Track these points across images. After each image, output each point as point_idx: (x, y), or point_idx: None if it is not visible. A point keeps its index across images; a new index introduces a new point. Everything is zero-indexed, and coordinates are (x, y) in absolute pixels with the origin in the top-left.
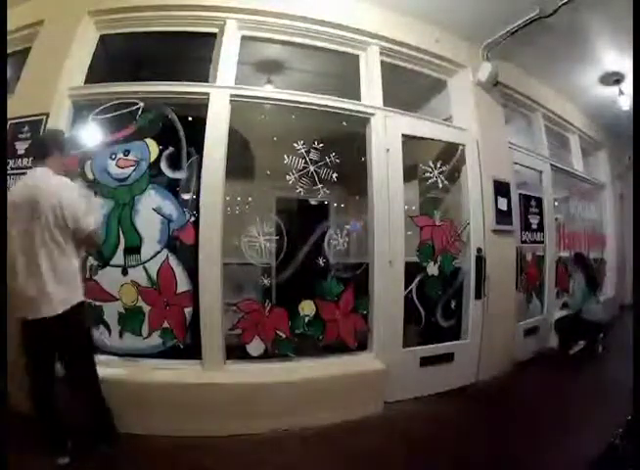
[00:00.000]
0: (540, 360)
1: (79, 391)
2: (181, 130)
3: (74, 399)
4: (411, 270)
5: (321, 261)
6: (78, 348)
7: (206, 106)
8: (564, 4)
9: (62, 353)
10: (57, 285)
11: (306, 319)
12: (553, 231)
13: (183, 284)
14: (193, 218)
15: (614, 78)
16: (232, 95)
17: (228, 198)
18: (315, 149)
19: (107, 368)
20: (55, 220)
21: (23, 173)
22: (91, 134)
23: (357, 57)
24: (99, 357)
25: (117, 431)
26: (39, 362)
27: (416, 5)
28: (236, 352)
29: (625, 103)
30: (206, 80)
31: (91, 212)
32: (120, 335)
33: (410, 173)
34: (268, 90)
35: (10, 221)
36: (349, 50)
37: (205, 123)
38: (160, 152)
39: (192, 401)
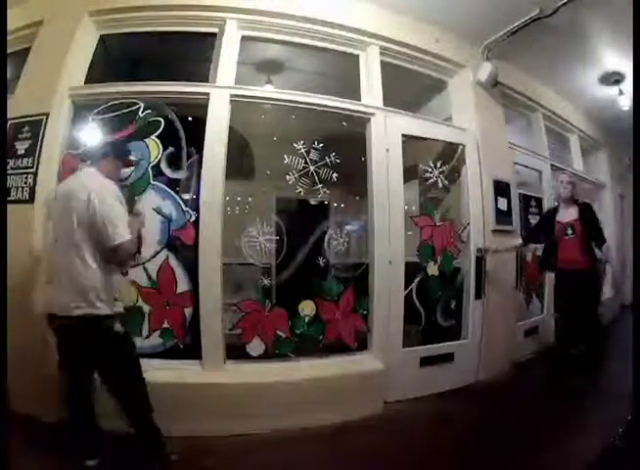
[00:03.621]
0: (540, 360)
1: (123, 406)
2: (181, 130)
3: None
4: (411, 270)
5: (321, 261)
6: (106, 364)
7: (206, 106)
8: (564, 4)
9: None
10: (65, 289)
11: (306, 319)
12: None
13: (183, 284)
14: (193, 218)
15: (614, 78)
16: (232, 95)
17: (228, 198)
18: (315, 149)
19: None
20: (82, 223)
21: (24, 173)
22: (91, 134)
23: (357, 57)
24: None
25: (167, 452)
26: (69, 360)
27: (416, 5)
28: (236, 352)
29: (625, 103)
30: (206, 80)
31: (125, 224)
32: None
33: (410, 173)
34: (268, 90)
35: (46, 218)
36: (349, 50)
37: (205, 123)
38: (160, 152)
39: (192, 401)
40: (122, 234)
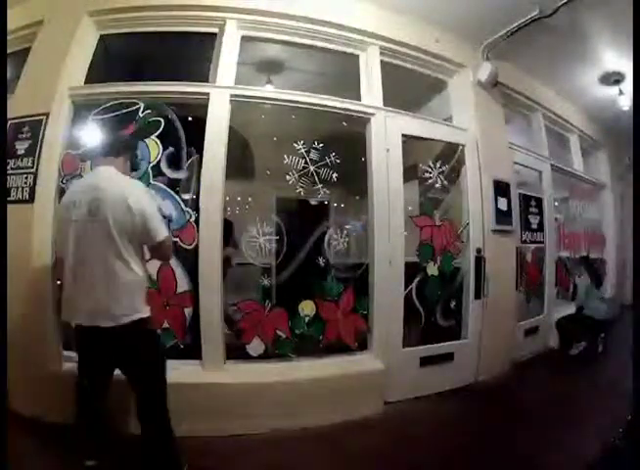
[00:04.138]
0: (540, 360)
1: (141, 418)
2: (181, 130)
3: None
4: (411, 270)
5: (321, 261)
6: (140, 368)
7: (206, 106)
8: (564, 4)
9: (122, 369)
10: (112, 296)
11: (306, 319)
12: (553, 231)
13: (183, 284)
14: (193, 218)
15: (614, 78)
16: (232, 95)
17: (228, 198)
18: (315, 149)
19: None
20: (119, 224)
21: (24, 173)
22: (91, 134)
23: (357, 57)
24: None
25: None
26: (94, 365)
27: (416, 5)
28: (236, 352)
29: (625, 103)
30: (206, 80)
31: (161, 220)
32: None
33: (410, 173)
34: (268, 90)
35: (64, 221)
36: (349, 50)
37: (205, 123)
38: (160, 152)
39: (192, 401)
40: (163, 230)
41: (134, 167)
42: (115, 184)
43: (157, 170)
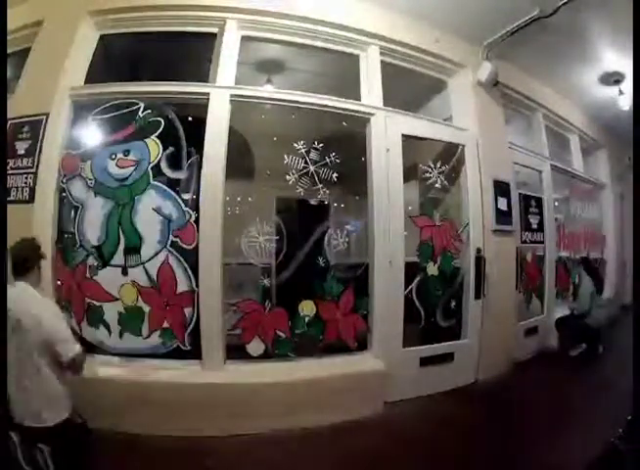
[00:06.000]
0: (540, 360)
1: None
2: (181, 130)
3: None
4: (411, 270)
5: (321, 261)
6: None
7: (206, 106)
8: (564, 4)
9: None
10: (35, 401)
11: (306, 319)
12: (553, 231)
13: (183, 284)
14: (193, 218)
15: (614, 78)
16: (232, 95)
17: (228, 198)
18: (315, 149)
19: (107, 368)
20: (34, 340)
21: (24, 173)
22: (91, 134)
23: (357, 57)
24: (100, 358)
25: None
26: None
27: (416, 5)
28: (236, 352)
29: (625, 103)
30: (206, 80)
31: (71, 336)
32: (120, 335)
33: (410, 173)
34: (268, 90)
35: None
36: (349, 50)
37: (205, 123)
38: (160, 152)
39: (192, 401)
40: (74, 348)
41: None
42: (30, 303)
43: (157, 170)
